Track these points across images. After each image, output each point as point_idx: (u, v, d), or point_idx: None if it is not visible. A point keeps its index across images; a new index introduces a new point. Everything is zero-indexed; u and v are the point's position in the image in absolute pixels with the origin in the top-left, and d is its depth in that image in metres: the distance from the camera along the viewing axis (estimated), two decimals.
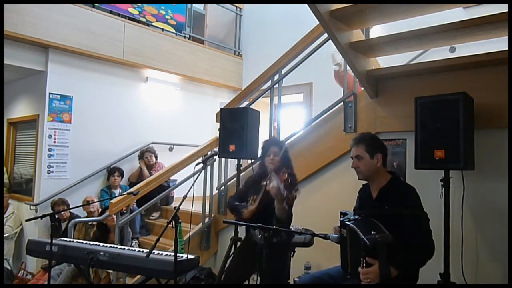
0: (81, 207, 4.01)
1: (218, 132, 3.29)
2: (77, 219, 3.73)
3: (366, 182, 2.19)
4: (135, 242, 4.01)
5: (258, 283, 2.13)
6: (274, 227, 2.26)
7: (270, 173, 2.39)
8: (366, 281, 1.73)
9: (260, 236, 2.08)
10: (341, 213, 2.10)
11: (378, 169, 2.07)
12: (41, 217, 2.68)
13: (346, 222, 1.91)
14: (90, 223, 3.90)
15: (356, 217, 1.98)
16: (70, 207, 4.00)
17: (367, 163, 2.07)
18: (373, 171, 2.07)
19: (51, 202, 4.08)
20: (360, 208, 2.19)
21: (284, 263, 2.42)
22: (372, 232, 1.73)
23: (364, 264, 1.75)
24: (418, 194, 1.98)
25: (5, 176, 5.05)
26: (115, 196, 3.82)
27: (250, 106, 3.55)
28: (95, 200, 4.10)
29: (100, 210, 4.03)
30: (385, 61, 3.09)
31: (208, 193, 3.74)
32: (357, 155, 2.10)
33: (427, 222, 1.93)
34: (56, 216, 3.98)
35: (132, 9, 4.96)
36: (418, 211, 1.93)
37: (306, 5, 2.17)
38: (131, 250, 2.62)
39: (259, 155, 2.62)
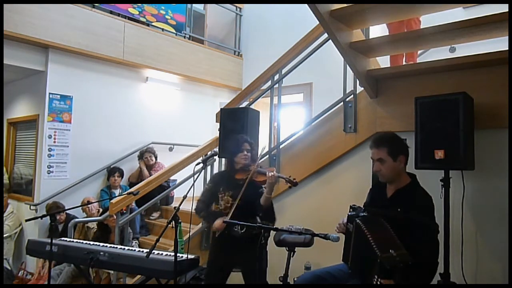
0: (80, 209, 4.01)
1: (218, 132, 3.29)
2: (77, 219, 3.72)
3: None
4: (135, 242, 4.01)
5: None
6: (274, 227, 2.28)
7: (252, 167, 2.42)
8: None
9: (236, 229, 2.38)
10: (351, 206, 2.03)
11: (400, 171, 1.99)
12: (41, 217, 2.69)
13: (356, 219, 1.84)
14: (90, 223, 3.90)
15: (364, 214, 1.90)
16: (65, 208, 3.97)
17: (391, 166, 1.96)
18: (396, 174, 1.98)
19: (46, 206, 4.05)
20: (371, 202, 2.13)
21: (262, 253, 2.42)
22: (390, 251, 1.62)
23: (379, 283, 1.64)
24: (434, 204, 1.91)
25: (5, 176, 5.04)
26: (115, 196, 3.82)
27: (250, 106, 3.55)
28: (94, 201, 4.09)
29: (100, 210, 4.03)
30: (385, 61, 3.09)
31: None
32: (380, 158, 1.98)
33: (435, 233, 1.86)
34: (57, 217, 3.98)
35: (132, 9, 4.96)
36: (429, 220, 1.86)
37: (306, 5, 2.17)
38: (131, 250, 2.62)
39: (235, 152, 2.55)
